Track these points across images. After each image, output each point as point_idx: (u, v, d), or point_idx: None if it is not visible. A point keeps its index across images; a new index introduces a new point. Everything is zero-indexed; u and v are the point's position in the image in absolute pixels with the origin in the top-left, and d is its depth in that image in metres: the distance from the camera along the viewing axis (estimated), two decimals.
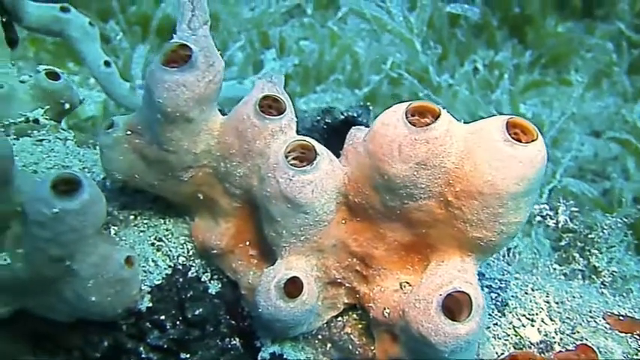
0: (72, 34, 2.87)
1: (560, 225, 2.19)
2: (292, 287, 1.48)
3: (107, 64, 2.92)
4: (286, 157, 1.43)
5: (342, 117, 1.96)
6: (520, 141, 1.31)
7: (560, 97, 3.90)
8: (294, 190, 1.41)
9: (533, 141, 1.30)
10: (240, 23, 4.02)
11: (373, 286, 1.56)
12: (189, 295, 1.66)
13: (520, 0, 4.30)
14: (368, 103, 2.03)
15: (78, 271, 1.53)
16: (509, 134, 1.30)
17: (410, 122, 1.33)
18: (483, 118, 3.33)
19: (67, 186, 1.44)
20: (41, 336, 1.81)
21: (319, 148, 1.44)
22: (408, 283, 1.52)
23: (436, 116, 1.33)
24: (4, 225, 1.53)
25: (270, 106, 1.50)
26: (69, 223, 1.43)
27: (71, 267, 1.52)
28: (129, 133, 1.54)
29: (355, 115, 2.04)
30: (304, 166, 1.43)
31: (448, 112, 1.35)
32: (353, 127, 1.68)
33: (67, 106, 1.95)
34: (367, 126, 1.85)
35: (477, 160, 1.32)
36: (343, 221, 1.52)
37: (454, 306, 1.41)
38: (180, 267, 1.69)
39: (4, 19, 1.90)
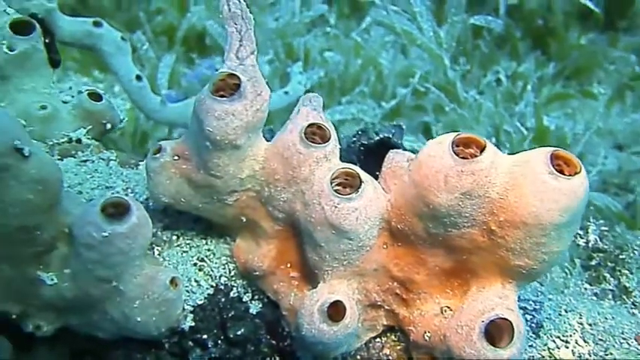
0: (104, 48, 2.90)
1: (590, 244, 2.21)
2: (334, 310, 1.52)
3: (139, 78, 2.95)
4: (331, 183, 1.47)
5: (378, 138, 1.98)
6: (563, 172, 1.34)
7: (583, 109, 3.91)
8: (340, 217, 1.44)
9: (576, 173, 1.33)
10: (265, 33, 4.05)
11: (413, 310, 1.59)
12: (230, 315, 1.70)
13: (543, 12, 4.30)
14: (401, 123, 2.05)
15: (124, 292, 1.57)
16: (553, 166, 1.33)
17: (454, 152, 1.36)
18: (508, 131, 3.37)
19: (115, 209, 1.48)
20: (83, 352, 1.85)
21: (364, 175, 1.47)
22: (448, 307, 1.55)
23: (481, 148, 1.36)
24: (51, 246, 1.57)
25: (314, 133, 1.53)
26: (117, 246, 1.47)
27: (118, 287, 1.56)
28: (176, 158, 1.58)
29: (389, 135, 2.06)
30: (349, 193, 1.47)
31: (493, 144, 1.38)
32: (391, 151, 1.72)
33: (109, 126, 1.99)
34: (402, 147, 1.89)
35: (521, 192, 1.35)
36: (385, 246, 1.55)
37: (495, 331, 1.44)
38: (222, 287, 1.72)
39: (46, 40, 1.94)
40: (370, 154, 1.90)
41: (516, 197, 1.35)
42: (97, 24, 2.85)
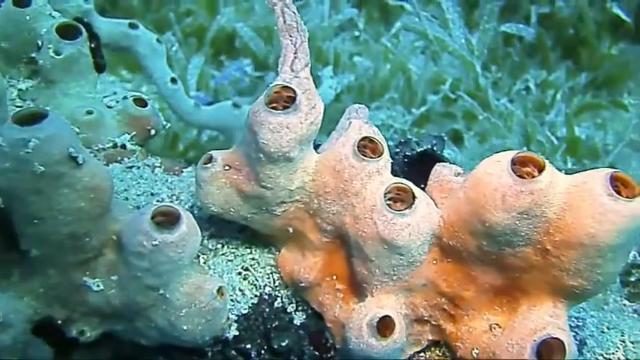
0: (139, 50, 2.93)
1: (629, 260, 2.19)
2: (382, 325, 1.52)
3: (173, 80, 2.98)
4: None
5: (421, 149, 1.98)
6: (620, 193, 1.33)
7: (614, 120, 3.89)
8: (392, 232, 1.44)
9: (635, 196, 1.32)
10: None
11: (461, 326, 1.58)
12: (274, 325, 1.69)
13: (574, 21, 4.28)
14: (442, 134, 2.04)
15: (171, 300, 1.57)
16: (612, 188, 1.32)
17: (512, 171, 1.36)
18: (540, 141, 3.35)
19: (165, 217, 1.49)
20: (124, 359, 1.86)
21: (417, 191, 1.47)
22: (497, 325, 1.54)
23: (539, 167, 1.35)
24: (99, 252, 1.57)
25: (365, 146, 1.53)
26: (167, 255, 1.47)
27: (164, 295, 1.56)
28: (227, 168, 1.58)
29: (431, 146, 2.06)
30: (401, 208, 1.46)
31: (550, 162, 1.37)
32: (437, 164, 1.71)
33: (153, 132, 1.99)
34: (444, 159, 1.88)
35: (579, 212, 1.34)
36: (434, 262, 1.54)
37: (544, 350, 1.44)
38: (266, 297, 1.72)
39: (92, 45, 1.94)
40: (412, 166, 1.89)
41: (574, 218, 1.35)
42: (132, 26, 2.88)
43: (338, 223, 1.56)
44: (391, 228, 1.44)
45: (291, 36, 1.51)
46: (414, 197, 1.46)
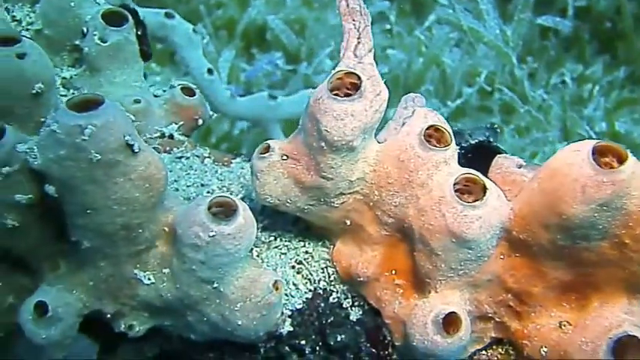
0: (176, 40, 2.89)
1: None
2: (447, 321, 1.46)
3: (210, 71, 2.93)
4: None
5: (475, 140, 1.91)
6: None
7: None
8: (462, 225, 1.38)
9: None
10: (327, 30, 4.00)
11: (527, 323, 1.52)
12: (330, 321, 1.64)
13: (612, 14, 4.20)
14: (495, 125, 1.98)
15: (225, 294, 1.52)
16: None
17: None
18: (581, 134, 3.28)
19: (220, 208, 1.44)
20: (172, 354, 1.81)
21: (488, 182, 1.41)
22: (568, 322, 1.48)
23: (620, 157, 1.29)
24: (151, 244, 1.53)
25: (430, 135, 1.47)
26: (224, 247, 1.43)
27: (218, 289, 1.51)
28: (284, 158, 1.52)
29: (484, 137, 2.00)
30: (468, 199, 1.40)
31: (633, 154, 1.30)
32: (498, 156, 1.65)
33: (200, 122, 1.94)
34: (500, 150, 1.82)
35: None
36: (501, 256, 1.48)
37: (618, 348, 1.37)
38: (320, 291, 1.66)
39: (138, 32, 1.89)
40: (467, 157, 1.83)
41: None
42: (169, 15, 2.84)
43: (400, 216, 1.50)
44: (461, 221, 1.38)
45: (354, 20, 1.45)
46: (484, 189, 1.39)
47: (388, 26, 4.27)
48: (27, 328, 1.53)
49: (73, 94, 1.89)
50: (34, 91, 1.47)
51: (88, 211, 1.40)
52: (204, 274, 1.47)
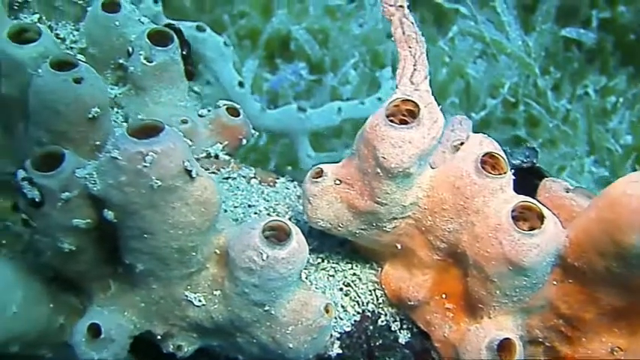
0: (207, 53, 2.89)
1: None
2: (499, 346, 1.47)
3: (241, 84, 2.94)
4: None
5: (516, 161, 1.92)
6: None
7: None
8: (520, 253, 1.38)
9: None
10: (350, 40, 4.00)
11: (578, 348, 1.53)
12: (379, 344, 1.65)
13: (635, 27, 4.19)
14: (534, 145, 1.98)
15: (276, 317, 1.53)
16: None
17: None
18: (610, 149, 3.27)
19: (271, 231, 1.45)
20: None
21: (545, 210, 1.41)
22: (619, 348, 1.48)
23: None
24: (202, 266, 1.54)
25: (484, 162, 1.47)
26: (278, 271, 1.43)
27: (269, 312, 1.51)
28: (337, 182, 1.53)
29: (524, 159, 2.00)
30: (523, 226, 1.41)
31: None
32: (546, 179, 1.66)
33: (244, 141, 1.95)
34: (543, 171, 1.82)
35: None
36: (554, 282, 1.49)
37: None
38: (369, 314, 1.67)
39: (183, 52, 1.90)
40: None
41: None
42: (200, 29, 2.84)
43: (453, 241, 1.51)
44: (519, 249, 1.38)
45: (410, 47, 1.45)
46: (541, 216, 1.40)
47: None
48: (80, 349, 1.54)
49: (117, 112, 1.90)
50: (90, 115, 1.48)
51: (145, 236, 1.41)
52: (256, 297, 1.48)
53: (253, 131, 1.99)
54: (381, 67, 3.86)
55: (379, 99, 3.32)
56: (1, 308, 1.44)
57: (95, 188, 1.36)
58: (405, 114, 1.43)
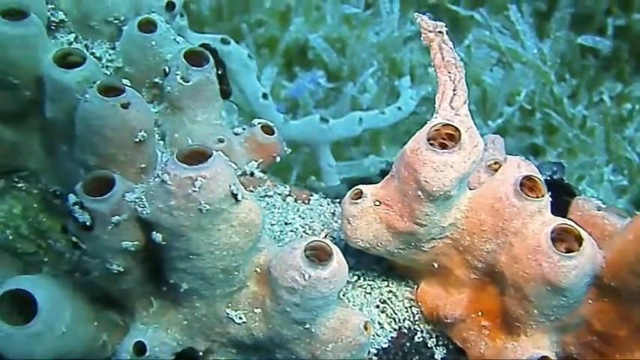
0: (231, 66, 2.93)
1: None
2: None
3: (265, 96, 2.98)
4: None
5: (544, 177, 1.95)
6: None
7: None
8: (559, 275, 1.42)
9: None
10: (367, 48, 4.04)
11: None
12: None
13: None
14: (562, 161, 2.02)
15: (316, 334, 1.56)
16: None
17: None
18: (628, 158, 3.30)
19: (311, 251, 1.48)
20: None
21: (583, 232, 1.44)
22: None
23: None
24: (243, 285, 1.57)
25: (522, 184, 1.51)
26: (319, 290, 1.46)
27: (310, 330, 1.55)
28: (377, 203, 1.56)
29: (552, 174, 2.04)
30: (560, 247, 1.45)
31: None
32: (578, 198, 1.70)
33: (278, 159, 1.99)
34: (572, 188, 1.85)
35: None
36: (590, 301, 1.52)
37: None
38: (405, 331, 1.71)
39: (219, 72, 1.94)
40: None
41: None
42: (224, 41, 2.87)
43: (491, 261, 1.54)
44: (558, 270, 1.42)
45: (449, 72, 1.49)
46: (578, 238, 1.43)
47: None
48: None
49: (154, 131, 1.93)
50: (136, 139, 1.51)
51: (191, 257, 1.45)
52: (297, 315, 1.51)
53: (286, 148, 2.02)
54: (399, 75, 3.90)
55: (399, 108, 3.36)
56: (50, 328, 1.46)
57: (144, 212, 1.40)
58: (445, 137, 1.46)
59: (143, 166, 1.56)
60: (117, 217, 1.42)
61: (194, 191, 1.34)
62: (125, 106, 1.49)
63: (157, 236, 1.42)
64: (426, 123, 1.49)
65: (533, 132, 3.73)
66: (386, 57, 4.04)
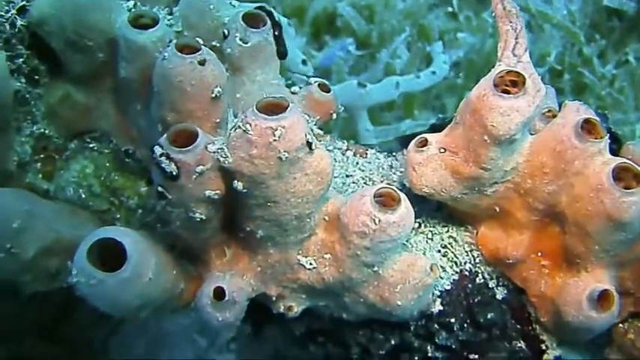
0: None
1: None
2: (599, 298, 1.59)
3: (304, 62, 3.03)
4: None
5: None
6: None
7: None
8: (621, 210, 1.50)
9: None
10: (395, 15, 4.08)
11: None
12: (477, 300, 1.77)
13: None
14: (606, 111, 2.08)
15: (384, 277, 1.65)
16: None
17: None
18: None
19: (380, 198, 1.56)
20: (318, 332, 1.94)
21: None
22: None
23: None
24: (312, 232, 1.65)
25: (581, 127, 1.58)
26: (389, 234, 1.54)
27: (377, 272, 1.63)
28: (442, 150, 1.64)
29: None
30: (619, 185, 1.52)
31: None
32: (628, 143, 1.76)
33: (334, 116, 2.06)
34: (618, 136, 1.92)
35: None
36: None
37: None
38: (467, 273, 1.79)
39: (276, 33, 2.01)
40: None
41: None
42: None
43: (552, 202, 1.62)
44: (620, 206, 1.49)
45: (511, 21, 1.56)
46: (638, 176, 1.51)
47: (450, 9, 4.32)
48: (206, 311, 1.66)
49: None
50: (212, 95, 1.59)
51: (269, 204, 1.53)
52: (367, 258, 1.59)
53: (340, 106, 2.09)
54: (428, 39, 3.94)
55: (433, 72, 3.42)
56: (138, 275, 1.54)
57: (227, 161, 1.47)
58: (508, 84, 1.53)
59: (217, 120, 1.63)
60: (201, 167, 1.49)
61: (274, 140, 1.41)
62: (202, 62, 1.57)
63: (238, 184, 1.49)
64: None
65: (563, 92, 3.77)
66: (414, 23, 4.08)
